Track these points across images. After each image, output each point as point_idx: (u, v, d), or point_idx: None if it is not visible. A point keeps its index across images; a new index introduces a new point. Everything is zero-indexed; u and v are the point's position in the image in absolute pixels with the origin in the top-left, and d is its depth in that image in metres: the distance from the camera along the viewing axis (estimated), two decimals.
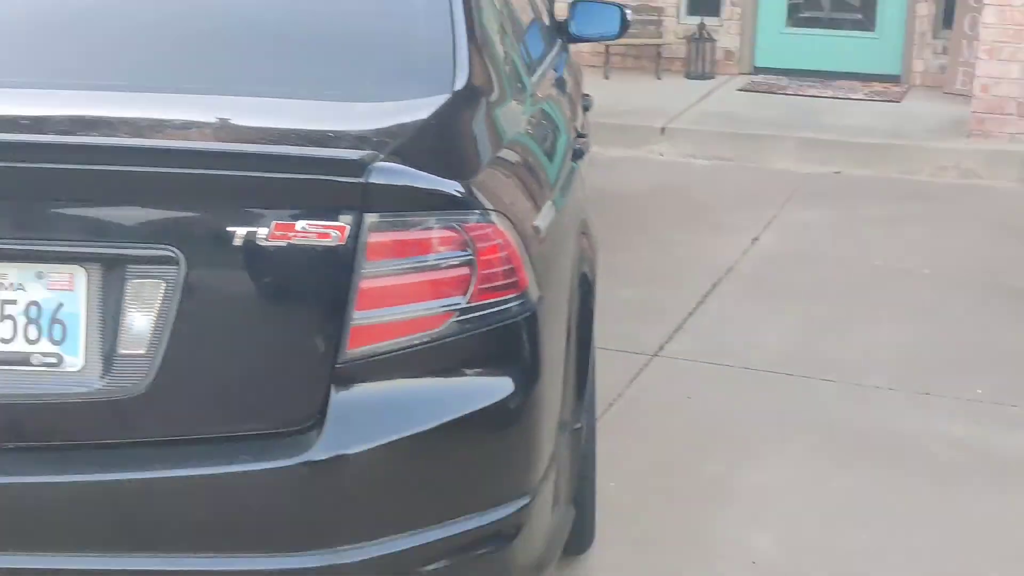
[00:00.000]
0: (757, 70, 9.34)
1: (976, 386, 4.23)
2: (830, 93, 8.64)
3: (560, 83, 3.79)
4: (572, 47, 4.78)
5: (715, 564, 3.12)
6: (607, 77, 9.14)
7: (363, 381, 2.13)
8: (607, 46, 9.08)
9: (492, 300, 2.20)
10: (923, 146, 7.22)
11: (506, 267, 2.22)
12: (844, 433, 3.87)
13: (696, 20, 9.23)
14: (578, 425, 2.74)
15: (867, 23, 9.13)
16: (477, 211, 2.18)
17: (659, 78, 9.17)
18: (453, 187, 2.17)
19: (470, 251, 2.16)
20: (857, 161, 7.26)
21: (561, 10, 4.92)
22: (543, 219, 2.49)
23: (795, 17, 9.27)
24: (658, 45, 9.22)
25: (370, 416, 2.13)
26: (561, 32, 4.55)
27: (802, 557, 3.16)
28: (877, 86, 8.87)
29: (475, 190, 2.20)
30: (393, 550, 2.13)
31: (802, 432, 3.87)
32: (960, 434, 3.87)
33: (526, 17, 3.79)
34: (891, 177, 7.13)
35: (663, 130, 7.61)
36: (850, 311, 4.93)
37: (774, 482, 3.55)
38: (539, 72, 3.47)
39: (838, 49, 9.20)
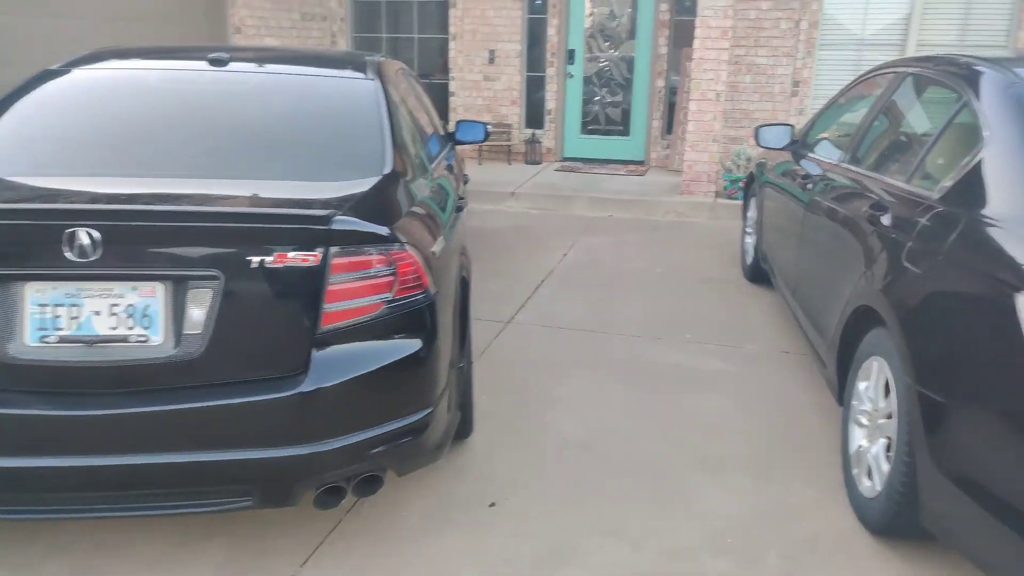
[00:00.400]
0: (565, 159, 9.36)
1: (686, 333, 4.33)
2: (606, 171, 8.71)
3: (450, 168, 3.75)
4: (458, 148, 4.75)
5: (543, 438, 3.14)
6: (480, 164, 9.07)
7: (332, 344, 2.08)
8: (480, 146, 9.07)
9: (408, 295, 2.18)
10: (657, 200, 7.35)
11: (415, 275, 2.20)
12: (615, 363, 3.91)
13: (531, 131, 9.23)
14: (462, 364, 2.73)
15: (625, 131, 9.22)
16: (397, 243, 2.15)
17: (510, 164, 9.14)
18: (383, 230, 2.14)
19: (394, 267, 2.14)
20: (621, 209, 7.34)
21: (451, 126, 4.88)
22: (438, 246, 2.47)
23: (586, 128, 9.31)
24: (509, 145, 9.19)
25: (336, 365, 2.08)
26: (451, 139, 4.52)
27: (592, 434, 3.20)
28: (631, 167, 8.97)
29: (396, 231, 2.17)
30: (352, 442, 2.10)
31: (591, 363, 3.90)
32: (678, 361, 3.96)
33: (430, 130, 3.75)
34: (640, 218, 7.23)
35: (512, 193, 7.59)
36: (617, 294, 4.99)
37: (576, 392, 3.58)
38: (436, 162, 3.42)
39: (609, 146, 9.26)
